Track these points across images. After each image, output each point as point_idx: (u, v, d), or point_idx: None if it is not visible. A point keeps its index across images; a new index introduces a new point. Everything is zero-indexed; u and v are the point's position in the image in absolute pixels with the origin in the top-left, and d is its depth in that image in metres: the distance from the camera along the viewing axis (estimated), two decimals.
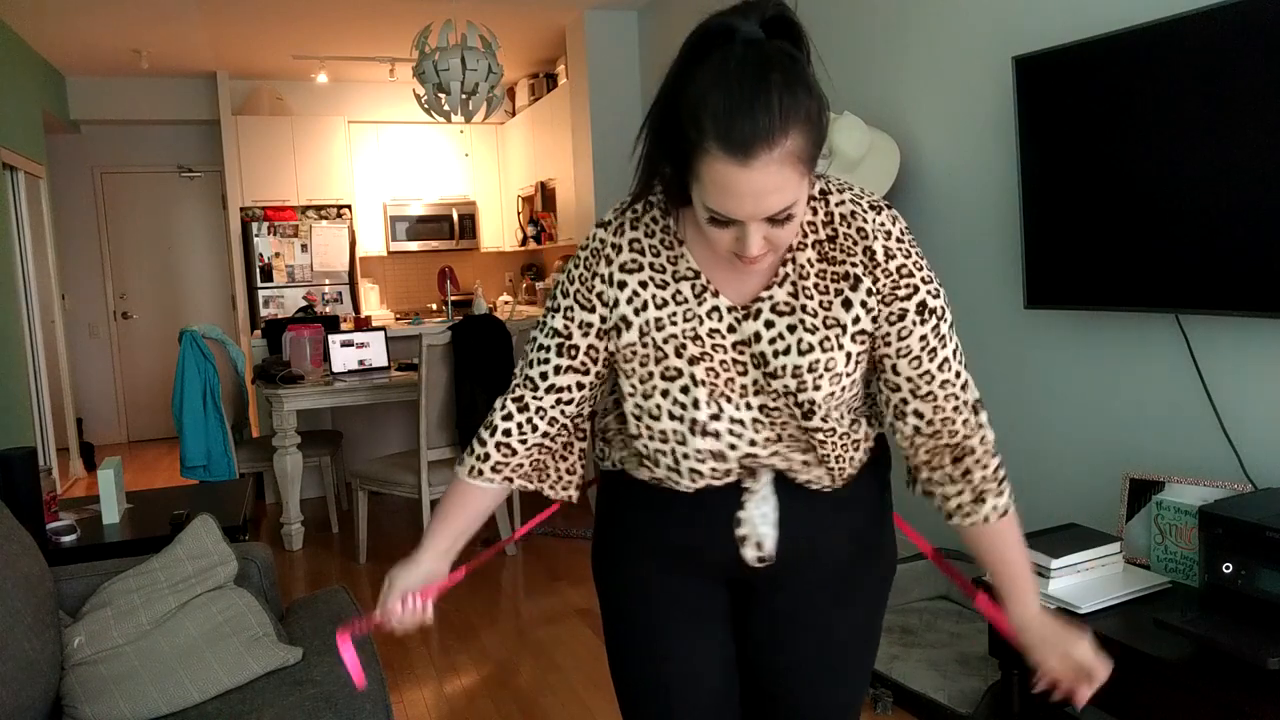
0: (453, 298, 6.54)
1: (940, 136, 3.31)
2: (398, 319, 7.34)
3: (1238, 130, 2.14)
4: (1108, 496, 2.72)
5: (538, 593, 3.85)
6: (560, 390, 1.31)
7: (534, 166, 7.20)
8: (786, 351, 1.20)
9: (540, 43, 6.58)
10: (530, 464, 1.38)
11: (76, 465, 6.64)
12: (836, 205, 1.22)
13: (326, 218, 7.38)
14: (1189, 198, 2.27)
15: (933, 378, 1.23)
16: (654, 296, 1.23)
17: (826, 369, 1.20)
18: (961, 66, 3.18)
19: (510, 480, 1.36)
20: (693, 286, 1.22)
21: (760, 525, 1.30)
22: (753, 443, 1.26)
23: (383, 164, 7.69)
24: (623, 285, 1.25)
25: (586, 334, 1.28)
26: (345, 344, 4.81)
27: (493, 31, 5.12)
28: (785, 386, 1.21)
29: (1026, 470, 3.04)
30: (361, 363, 4.84)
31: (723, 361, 1.22)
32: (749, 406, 1.24)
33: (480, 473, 1.34)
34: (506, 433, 1.33)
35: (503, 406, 1.34)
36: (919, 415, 1.25)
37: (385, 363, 4.89)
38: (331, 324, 5.32)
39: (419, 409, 3.93)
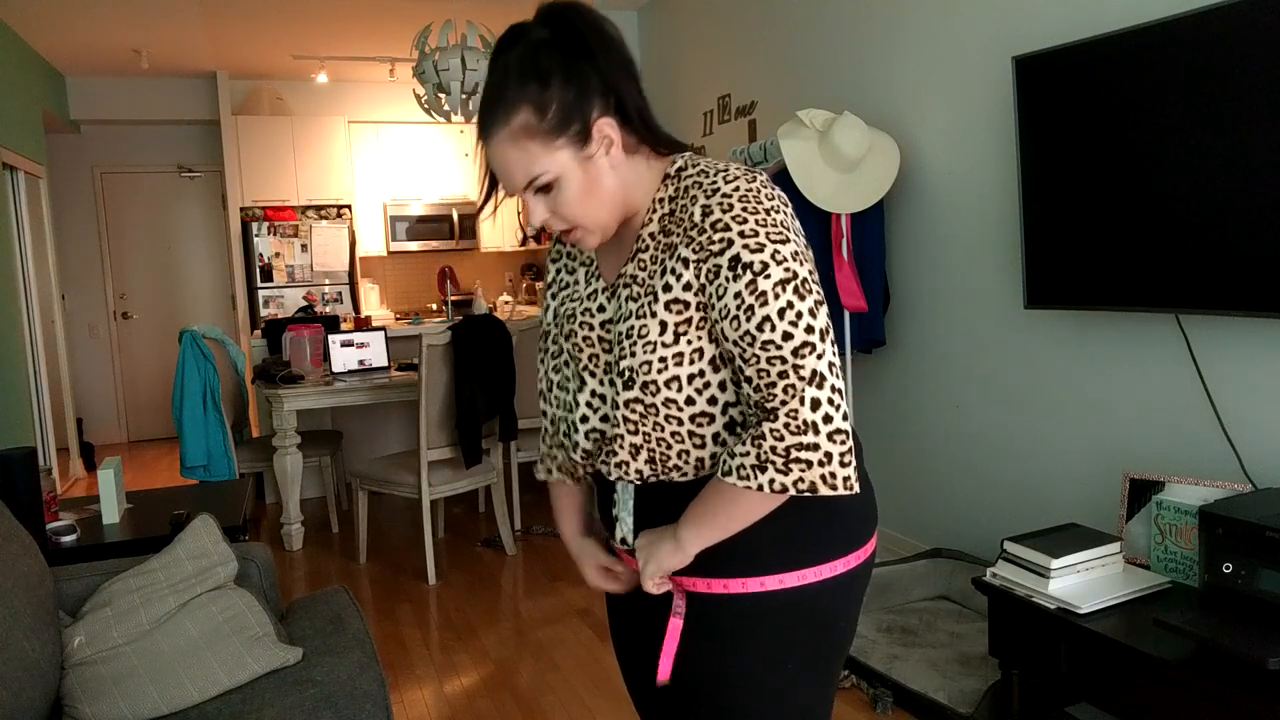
0: (453, 298, 6.54)
1: (940, 137, 3.31)
2: (398, 319, 7.33)
3: (1237, 130, 2.14)
4: (1108, 496, 2.73)
5: (538, 593, 3.85)
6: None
7: None
8: (625, 320, 1.23)
9: None
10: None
11: (76, 465, 6.64)
12: (685, 178, 1.22)
13: (326, 218, 7.37)
14: (1189, 198, 2.27)
15: (753, 339, 1.14)
16: (562, 281, 1.38)
17: (640, 335, 1.20)
18: (961, 66, 3.18)
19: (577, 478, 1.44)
20: (586, 271, 1.34)
21: (622, 510, 1.32)
22: (605, 418, 1.27)
23: (383, 164, 7.69)
24: (554, 273, 1.41)
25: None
26: (345, 344, 4.81)
27: (493, 31, 5.12)
28: (618, 355, 1.23)
29: (1026, 470, 3.04)
30: (361, 363, 4.84)
31: (586, 338, 1.28)
32: (610, 384, 1.26)
33: (550, 471, 1.45)
34: (545, 431, 1.45)
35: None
36: (749, 381, 1.16)
37: (385, 363, 4.89)
38: (331, 324, 5.32)
39: (419, 409, 3.92)
